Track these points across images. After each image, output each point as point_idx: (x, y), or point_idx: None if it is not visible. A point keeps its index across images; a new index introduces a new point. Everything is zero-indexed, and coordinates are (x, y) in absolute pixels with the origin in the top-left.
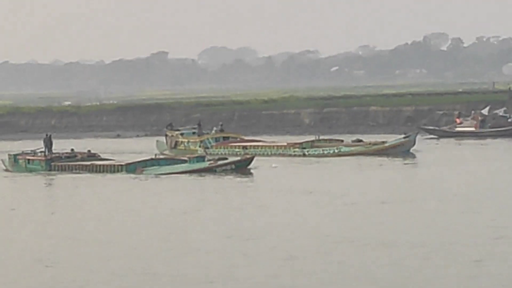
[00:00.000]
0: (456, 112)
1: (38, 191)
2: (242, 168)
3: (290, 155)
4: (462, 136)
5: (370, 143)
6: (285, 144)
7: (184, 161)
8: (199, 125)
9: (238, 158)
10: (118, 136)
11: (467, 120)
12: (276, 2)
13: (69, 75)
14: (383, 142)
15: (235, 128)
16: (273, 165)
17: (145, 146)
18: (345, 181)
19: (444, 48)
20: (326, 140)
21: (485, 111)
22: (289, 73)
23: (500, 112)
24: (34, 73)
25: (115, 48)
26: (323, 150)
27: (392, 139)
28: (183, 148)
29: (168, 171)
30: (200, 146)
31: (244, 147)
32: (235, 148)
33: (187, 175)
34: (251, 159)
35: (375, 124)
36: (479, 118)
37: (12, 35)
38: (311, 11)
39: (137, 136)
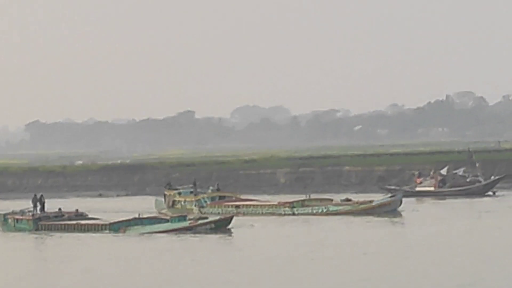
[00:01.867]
0: (416, 172)
1: (17, 251)
2: (222, 227)
3: (280, 214)
4: (422, 196)
5: (357, 202)
6: (276, 203)
7: (166, 221)
8: (194, 184)
9: (217, 217)
10: (100, 195)
11: (426, 180)
12: (306, 61)
13: (99, 134)
14: (371, 201)
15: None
16: (252, 224)
17: (129, 205)
18: (321, 240)
19: (467, 106)
20: (316, 199)
21: (443, 171)
22: (313, 131)
23: (460, 172)
24: (65, 132)
25: (146, 107)
26: (312, 209)
27: (378, 198)
28: (179, 207)
29: (150, 230)
30: (195, 205)
31: (237, 206)
32: (229, 207)
33: (168, 234)
34: (231, 219)
35: (348, 183)
36: (438, 177)
37: (45, 94)
38: (338, 69)
39: (118, 195)
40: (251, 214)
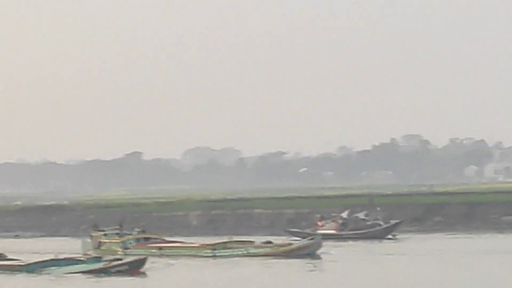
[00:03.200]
0: (318, 215)
1: None
2: (136, 268)
3: (201, 256)
4: (323, 238)
5: (277, 245)
6: (198, 245)
7: (83, 262)
8: (120, 225)
9: (131, 259)
10: (17, 236)
11: (328, 223)
12: (258, 102)
13: (49, 174)
14: (290, 244)
15: (126, 229)
16: (169, 265)
17: (50, 246)
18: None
19: (412, 150)
20: (238, 241)
21: (344, 214)
22: (260, 173)
23: (361, 215)
24: (16, 172)
25: (94, 148)
26: (232, 251)
27: (290, 240)
28: (105, 248)
29: (66, 272)
30: (120, 247)
31: (160, 248)
32: (152, 248)
33: (84, 275)
34: (144, 260)
35: (259, 225)
36: (339, 221)
37: None
38: (287, 113)
39: (33, 236)
40: (174, 255)
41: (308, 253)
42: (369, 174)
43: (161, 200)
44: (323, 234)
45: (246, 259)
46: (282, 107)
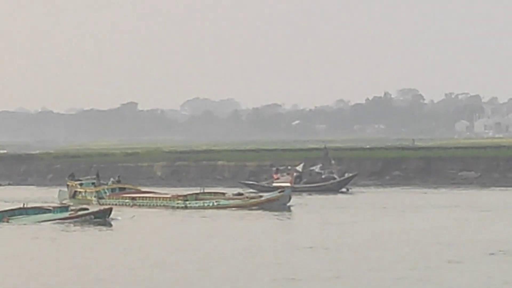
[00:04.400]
0: (274, 168)
1: None
2: (101, 218)
3: (173, 207)
4: (279, 191)
5: (247, 197)
6: (170, 196)
7: (50, 211)
8: (97, 175)
9: (97, 209)
10: None
11: (283, 176)
12: (260, 55)
13: (45, 123)
14: (260, 196)
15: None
16: (132, 216)
17: (18, 195)
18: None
19: (405, 104)
20: (210, 193)
21: (299, 168)
22: (254, 125)
23: (316, 168)
24: (12, 121)
25: (90, 97)
26: (203, 202)
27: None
28: (80, 198)
29: (33, 221)
30: (95, 197)
31: (133, 198)
32: (125, 199)
33: (51, 224)
34: (110, 210)
35: (221, 177)
36: (294, 174)
37: None
38: (287, 65)
39: (0, 185)
40: (146, 206)
41: (279, 205)
42: (361, 128)
43: (129, 151)
44: (278, 187)
45: (216, 210)
46: (283, 59)
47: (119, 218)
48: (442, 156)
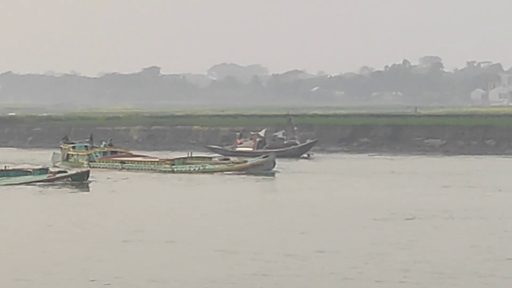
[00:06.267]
0: (238, 133)
1: None
2: (79, 181)
3: (160, 171)
4: (241, 156)
5: (233, 162)
6: (157, 160)
7: (30, 173)
8: (91, 138)
9: (74, 171)
10: None
11: (246, 141)
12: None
13: (67, 86)
14: (245, 161)
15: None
16: (108, 177)
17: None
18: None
19: (424, 72)
20: (197, 157)
21: (261, 133)
22: (273, 91)
23: (279, 134)
24: (36, 84)
25: (112, 62)
26: (190, 167)
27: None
28: (73, 160)
29: (13, 182)
30: (86, 160)
31: (122, 162)
32: (115, 162)
33: (30, 186)
34: (87, 173)
35: (196, 142)
36: (257, 139)
37: (16, 46)
38: (311, 32)
39: None
40: (134, 169)
41: (263, 170)
42: (379, 95)
43: (109, 115)
44: (241, 152)
45: (202, 175)
46: (308, 26)
47: (96, 180)
48: (409, 124)
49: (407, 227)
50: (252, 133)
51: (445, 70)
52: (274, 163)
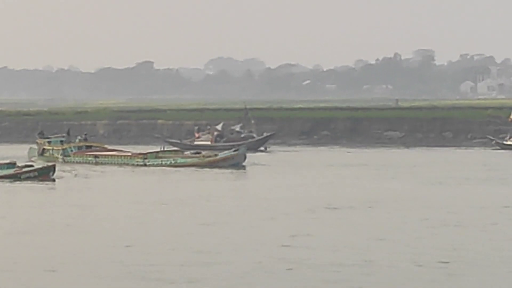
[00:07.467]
0: (196, 127)
1: None
2: (45, 175)
3: (133, 165)
4: (200, 149)
5: (204, 155)
6: (130, 154)
7: None
8: (68, 133)
9: (41, 166)
10: None
11: (204, 135)
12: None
13: (62, 81)
14: (216, 155)
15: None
16: (73, 172)
17: None
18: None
19: (415, 65)
20: (170, 151)
21: (219, 127)
22: (265, 85)
23: (237, 128)
24: (30, 79)
25: (107, 56)
26: (161, 161)
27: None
28: (48, 155)
29: None
30: (61, 154)
31: (96, 156)
32: (89, 156)
33: None
34: (53, 167)
35: (160, 136)
36: (215, 133)
37: (12, 41)
38: (308, 25)
39: None
40: (108, 164)
41: (233, 163)
42: (370, 88)
43: (78, 109)
44: (199, 145)
45: (173, 169)
46: (303, 20)
47: (63, 175)
48: (368, 116)
49: (311, 219)
50: (209, 127)
51: (437, 63)
52: (245, 157)
